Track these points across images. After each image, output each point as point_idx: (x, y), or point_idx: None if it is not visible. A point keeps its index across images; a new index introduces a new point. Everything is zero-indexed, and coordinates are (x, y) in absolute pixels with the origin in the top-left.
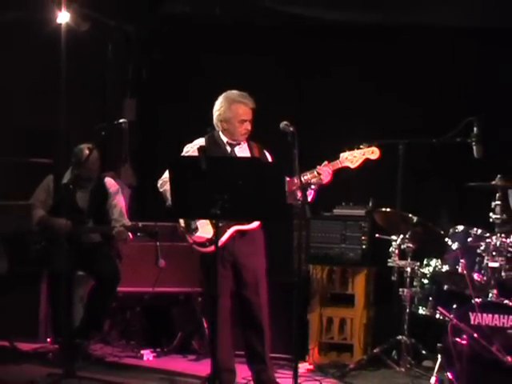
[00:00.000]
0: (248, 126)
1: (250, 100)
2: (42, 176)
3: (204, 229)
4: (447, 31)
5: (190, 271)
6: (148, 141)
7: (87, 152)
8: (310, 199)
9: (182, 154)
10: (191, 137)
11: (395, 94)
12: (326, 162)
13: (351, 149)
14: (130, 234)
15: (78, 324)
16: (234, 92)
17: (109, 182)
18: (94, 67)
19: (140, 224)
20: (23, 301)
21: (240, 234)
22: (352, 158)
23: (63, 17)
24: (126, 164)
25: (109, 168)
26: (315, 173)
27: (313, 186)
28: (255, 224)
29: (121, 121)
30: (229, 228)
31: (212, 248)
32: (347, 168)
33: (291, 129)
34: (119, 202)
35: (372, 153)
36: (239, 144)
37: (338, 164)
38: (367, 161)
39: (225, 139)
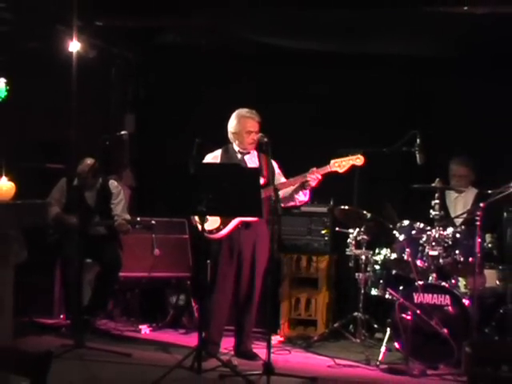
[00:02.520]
0: (254, 136)
1: (256, 115)
2: (56, 179)
3: (212, 219)
4: (397, 59)
5: (180, 259)
6: (145, 149)
7: (88, 163)
8: (307, 198)
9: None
10: (181, 146)
11: (354, 111)
12: (314, 168)
13: (340, 156)
14: (129, 226)
15: (86, 303)
16: (243, 109)
17: (111, 183)
18: (99, 87)
19: (138, 218)
20: (41, 284)
21: (244, 225)
22: (340, 164)
23: (74, 46)
24: (126, 169)
25: (112, 172)
26: (304, 176)
27: (307, 187)
28: None
29: (122, 132)
30: (233, 219)
31: (218, 235)
32: (336, 172)
33: (265, 139)
34: (121, 201)
35: (357, 159)
36: (249, 153)
37: (327, 168)
38: (353, 167)
39: (237, 149)
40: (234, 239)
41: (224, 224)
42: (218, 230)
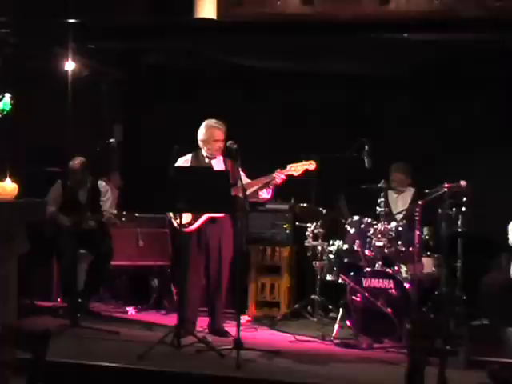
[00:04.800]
0: (220, 144)
1: (222, 125)
2: (54, 180)
3: (185, 215)
4: (348, 78)
5: (161, 249)
6: (131, 155)
7: (77, 161)
8: (269, 196)
9: (176, 163)
10: (163, 152)
11: (312, 122)
12: (278, 170)
13: (295, 161)
14: (116, 219)
15: (81, 288)
16: (212, 120)
17: (100, 184)
18: (92, 101)
19: (124, 212)
20: (40, 271)
21: (211, 220)
22: (296, 168)
23: (70, 65)
24: (115, 172)
25: (102, 174)
26: (271, 176)
27: (271, 186)
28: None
29: (111, 140)
30: (203, 215)
31: (190, 229)
32: (291, 176)
33: (235, 146)
34: (109, 198)
35: (310, 164)
36: (215, 158)
37: (284, 172)
38: (307, 171)
39: (205, 154)
40: (201, 232)
41: (195, 219)
42: (190, 224)
